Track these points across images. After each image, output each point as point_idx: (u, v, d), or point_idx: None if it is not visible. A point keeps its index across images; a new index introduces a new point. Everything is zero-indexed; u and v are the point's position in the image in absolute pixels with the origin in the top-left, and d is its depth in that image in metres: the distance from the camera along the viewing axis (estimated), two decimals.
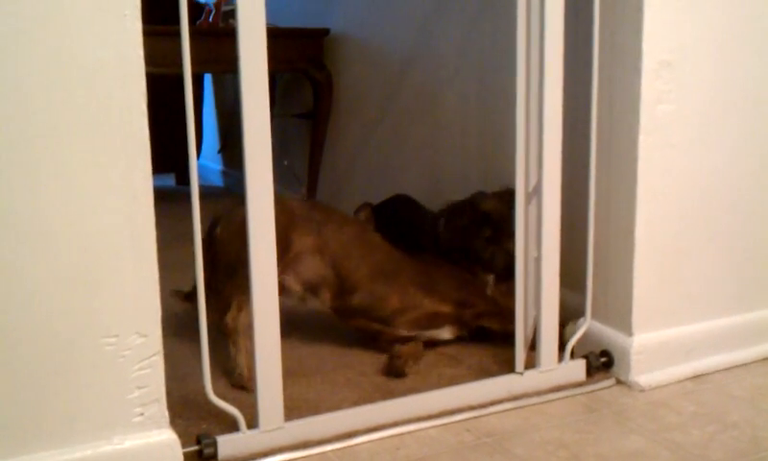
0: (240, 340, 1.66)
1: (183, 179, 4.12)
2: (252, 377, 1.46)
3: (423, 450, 1.41)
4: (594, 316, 1.72)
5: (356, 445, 1.43)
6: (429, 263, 1.94)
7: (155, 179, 1.23)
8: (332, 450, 1.41)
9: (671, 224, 1.69)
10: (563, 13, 1.54)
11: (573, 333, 1.69)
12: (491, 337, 1.85)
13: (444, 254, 2.10)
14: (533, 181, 1.63)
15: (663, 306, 1.71)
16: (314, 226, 1.79)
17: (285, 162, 3.47)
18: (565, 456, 1.39)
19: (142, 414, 1.25)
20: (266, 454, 1.38)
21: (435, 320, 1.85)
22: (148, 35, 1.19)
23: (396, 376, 1.69)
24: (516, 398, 1.59)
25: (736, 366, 1.77)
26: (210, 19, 3.66)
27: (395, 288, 1.82)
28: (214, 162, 4.53)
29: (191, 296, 1.66)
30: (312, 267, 1.78)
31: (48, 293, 1.16)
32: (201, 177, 4.11)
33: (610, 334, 1.72)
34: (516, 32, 1.53)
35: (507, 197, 1.91)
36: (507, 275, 2.01)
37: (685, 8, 1.62)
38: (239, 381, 1.63)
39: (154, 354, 1.24)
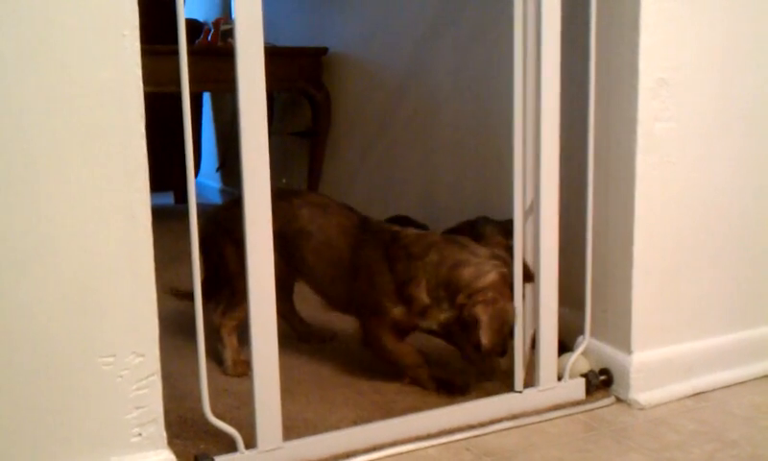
0: (226, 338, 1.82)
1: (182, 197, 4.12)
2: (237, 368, 1.78)
3: None
4: (593, 334, 1.71)
5: None
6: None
7: (153, 197, 1.22)
8: None
9: (670, 241, 1.69)
10: (559, 32, 1.55)
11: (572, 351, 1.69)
12: None
13: None
14: (530, 199, 1.63)
15: (663, 324, 1.70)
16: None
17: (284, 180, 3.48)
18: None
19: (140, 434, 1.24)
20: None
21: None
22: (147, 54, 1.19)
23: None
24: (515, 416, 1.59)
25: (736, 383, 1.76)
26: (209, 38, 3.68)
27: None
28: (213, 180, 4.54)
29: (187, 296, 1.71)
30: None
31: (45, 312, 1.15)
32: (199, 195, 4.09)
33: (609, 352, 1.71)
34: (513, 51, 1.54)
35: (509, 226, 1.92)
36: None
37: (682, 26, 1.63)
38: (227, 373, 1.80)
39: (151, 374, 1.24)
